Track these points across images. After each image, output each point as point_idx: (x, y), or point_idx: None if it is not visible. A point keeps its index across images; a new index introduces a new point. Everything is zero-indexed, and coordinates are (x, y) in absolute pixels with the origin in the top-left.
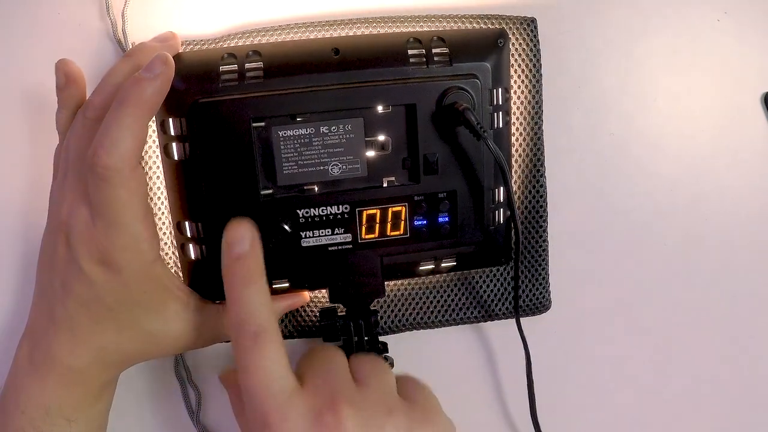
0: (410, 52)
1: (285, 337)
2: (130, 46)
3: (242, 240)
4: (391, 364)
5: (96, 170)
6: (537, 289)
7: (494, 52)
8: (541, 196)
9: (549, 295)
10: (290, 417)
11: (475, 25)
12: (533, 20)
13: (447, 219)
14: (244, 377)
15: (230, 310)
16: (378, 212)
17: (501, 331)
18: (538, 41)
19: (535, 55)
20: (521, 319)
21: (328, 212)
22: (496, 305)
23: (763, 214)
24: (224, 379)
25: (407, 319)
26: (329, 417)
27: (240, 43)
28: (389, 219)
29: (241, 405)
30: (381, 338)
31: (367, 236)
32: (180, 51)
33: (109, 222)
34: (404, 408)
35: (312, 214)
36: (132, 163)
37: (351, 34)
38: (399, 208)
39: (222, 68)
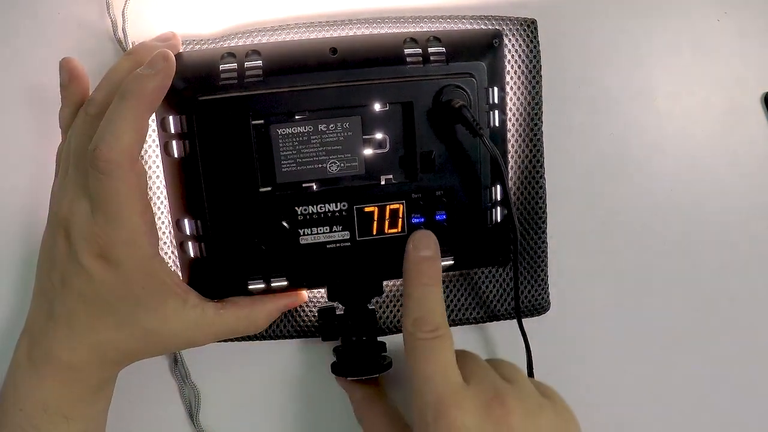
0: (407, 51)
1: (284, 337)
2: (130, 46)
3: (429, 246)
4: (390, 365)
5: (97, 164)
6: (536, 290)
7: (490, 51)
8: (540, 197)
9: (548, 296)
10: (464, 405)
11: (474, 25)
12: (533, 21)
13: (444, 217)
14: (421, 367)
15: (412, 304)
16: (376, 210)
17: (500, 331)
18: (537, 42)
19: (534, 56)
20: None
21: (327, 210)
22: (495, 306)
23: (763, 214)
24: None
25: None
26: (498, 409)
27: (239, 43)
28: (387, 217)
29: (367, 404)
30: (380, 339)
31: (364, 234)
32: (180, 50)
33: (108, 216)
34: (549, 403)
35: (310, 212)
36: (132, 158)
37: (349, 34)
38: (396, 206)
39: (222, 67)
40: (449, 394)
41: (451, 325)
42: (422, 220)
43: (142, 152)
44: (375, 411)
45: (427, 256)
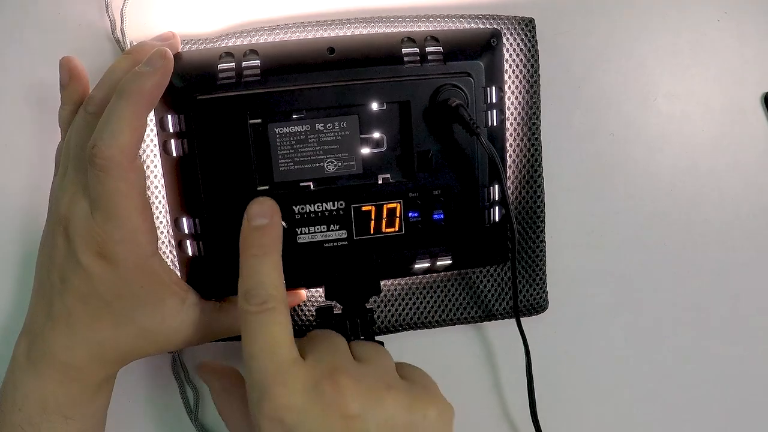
0: (404, 51)
1: None
2: (129, 45)
3: (263, 214)
4: None
5: (95, 162)
6: (534, 289)
7: (488, 51)
8: (539, 196)
9: (546, 295)
10: (290, 384)
11: (473, 24)
12: (531, 20)
13: (442, 216)
14: (248, 343)
15: (242, 277)
16: (373, 209)
17: (499, 330)
18: (536, 41)
19: (533, 55)
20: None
21: (324, 209)
22: (493, 305)
23: (763, 214)
24: (206, 369)
25: (404, 319)
26: (328, 387)
27: (237, 43)
28: (384, 216)
29: (226, 396)
30: (378, 338)
31: (362, 233)
32: (179, 50)
33: (107, 214)
34: (405, 385)
35: (307, 211)
36: (131, 156)
37: (347, 33)
38: (394, 205)
39: (220, 66)
40: (275, 372)
41: (448, 325)
42: (420, 219)
43: (140, 151)
44: (234, 404)
45: (257, 226)
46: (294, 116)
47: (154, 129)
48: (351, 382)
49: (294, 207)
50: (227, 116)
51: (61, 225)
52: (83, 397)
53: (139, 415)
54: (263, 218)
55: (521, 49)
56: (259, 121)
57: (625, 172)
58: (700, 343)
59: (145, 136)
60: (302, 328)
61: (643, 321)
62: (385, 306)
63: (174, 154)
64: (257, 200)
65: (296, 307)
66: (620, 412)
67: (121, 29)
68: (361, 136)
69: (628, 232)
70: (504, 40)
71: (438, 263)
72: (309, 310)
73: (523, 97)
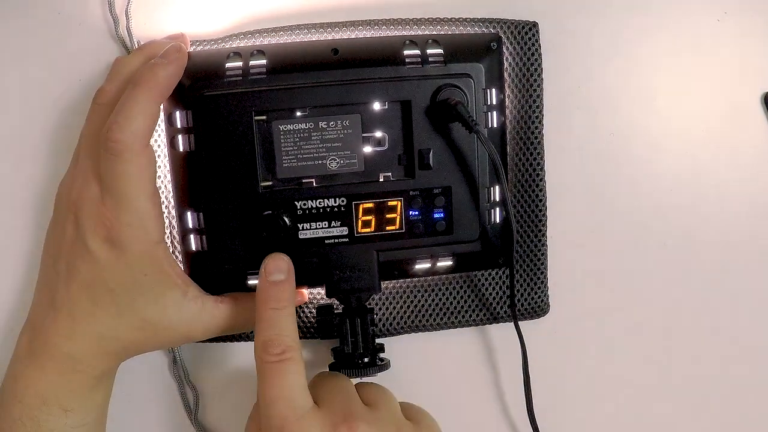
0: (406, 52)
1: None
2: (135, 44)
3: (280, 269)
4: (387, 365)
5: (108, 145)
6: (535, 292)
7: (488, 54)
8: (540, 200)
9: (547, 298)
10: (308, 430)
11: (475, 29)
12: (534, 24)
13: (442, 215)
14: (266, 390)
15: (260, 328)
16: (374, 206)
17: (501, 333)
18: (539, 45)
19: (536, 59)
20: (521, 321)
21: (325, 205)
22: (496, 308)
23: (763, 214)
24: None
25: (406, 322)
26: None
27: (243, 44)
28: (385, 213)
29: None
30: (379, 340)
31: (363, 230)
32: (188, 50)
33: (117, 197)
34: (412, 428)
35: (309, 207)
36: (143, 141)
37: (351, 36)
38: (394, 203)
39: (227, 65)
40: (293, 419)
41: (450, 327)
42: (420, 217)
43: None
44: None
45: (275, 281)
46: (298, 114)
47: (163, 125)
48: (365, 426)
49: (296, 203)
50: (233, 112)
51: (71, 212)
52: (83, 389)
53: (139, 415)
54: (280, 274)
55: (524, 53)
56: (264, 117)
57: (625, 172)
58: (701, 343)
59: (153, 133)
60: (303, 330)
61: (643, 321)
62: (387, 308)
63: (181, 150)
64: (273, 256)
65: (297, 309)
66: (620, 414)
67: (127, 28)
68: (363, 134)
69: (629, 233)
70: (506, 44)
71: (439, 264)
72: (311, 312)
73: (525, 100)
